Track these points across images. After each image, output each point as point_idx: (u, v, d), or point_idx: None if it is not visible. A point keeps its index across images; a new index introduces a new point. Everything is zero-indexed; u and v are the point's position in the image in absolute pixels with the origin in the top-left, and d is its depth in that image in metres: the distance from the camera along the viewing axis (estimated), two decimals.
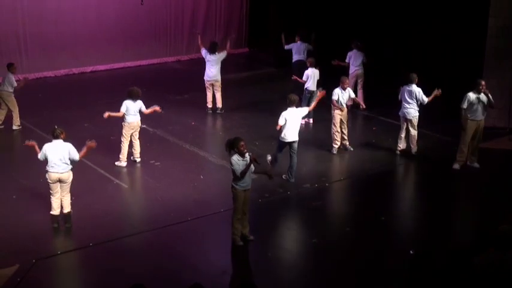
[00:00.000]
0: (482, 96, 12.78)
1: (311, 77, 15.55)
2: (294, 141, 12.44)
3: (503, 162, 13.76)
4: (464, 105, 12.80)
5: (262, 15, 22.34)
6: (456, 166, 13.24)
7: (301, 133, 12.87)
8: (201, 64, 16.90)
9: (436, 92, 13.31)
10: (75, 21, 19.87)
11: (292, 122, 12.37)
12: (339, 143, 14.05)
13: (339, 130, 13.94)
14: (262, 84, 19.28)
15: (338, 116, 13.88)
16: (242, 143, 9.92)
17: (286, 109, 12.35)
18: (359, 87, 16.50)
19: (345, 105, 13.90)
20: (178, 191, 12.27)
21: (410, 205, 12.44)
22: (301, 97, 15.14)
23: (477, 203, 12.24)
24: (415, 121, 13.54)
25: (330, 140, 14.23)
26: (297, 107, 12.47)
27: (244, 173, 9.94)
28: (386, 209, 11.79)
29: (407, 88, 13.36)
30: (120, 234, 10.73)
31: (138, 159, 13.41)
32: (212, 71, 16.22)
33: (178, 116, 16.18)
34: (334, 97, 13.75)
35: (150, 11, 21.15)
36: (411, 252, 9.18)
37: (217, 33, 22.60)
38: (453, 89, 13.59)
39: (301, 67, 16.44)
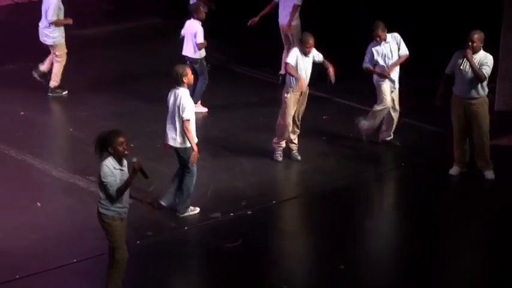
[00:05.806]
0: (475, 59, 12.51)
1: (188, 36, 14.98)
2: (178, 148, 11.88)
3: None
4: (446, 70, 12.87)
5: None
6: (453, 171, 13.12)
7: (202, 131, 13.09)
8: (36, 11, 16.28)
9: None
10: None
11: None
12: (284, 145, 13.35)
13: (290, 122, 13.16)
14: (140, 44, 18.95)
15: (292, 98, 13.07)
16: (122, 139, 9.54)
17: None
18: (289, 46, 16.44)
19: (304, 81, 13.06)
20: None
21: (382, 243, 11.80)
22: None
23: (486, 234, 11.77)
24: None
25: (250, 141, 14.07)
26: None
27: (122, 190, 9.60)
28: (343, 251, 11.26)
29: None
30: None
31: None
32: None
33: None
34: (291, 60, 13.03)
35: None
36: None
37: None
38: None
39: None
